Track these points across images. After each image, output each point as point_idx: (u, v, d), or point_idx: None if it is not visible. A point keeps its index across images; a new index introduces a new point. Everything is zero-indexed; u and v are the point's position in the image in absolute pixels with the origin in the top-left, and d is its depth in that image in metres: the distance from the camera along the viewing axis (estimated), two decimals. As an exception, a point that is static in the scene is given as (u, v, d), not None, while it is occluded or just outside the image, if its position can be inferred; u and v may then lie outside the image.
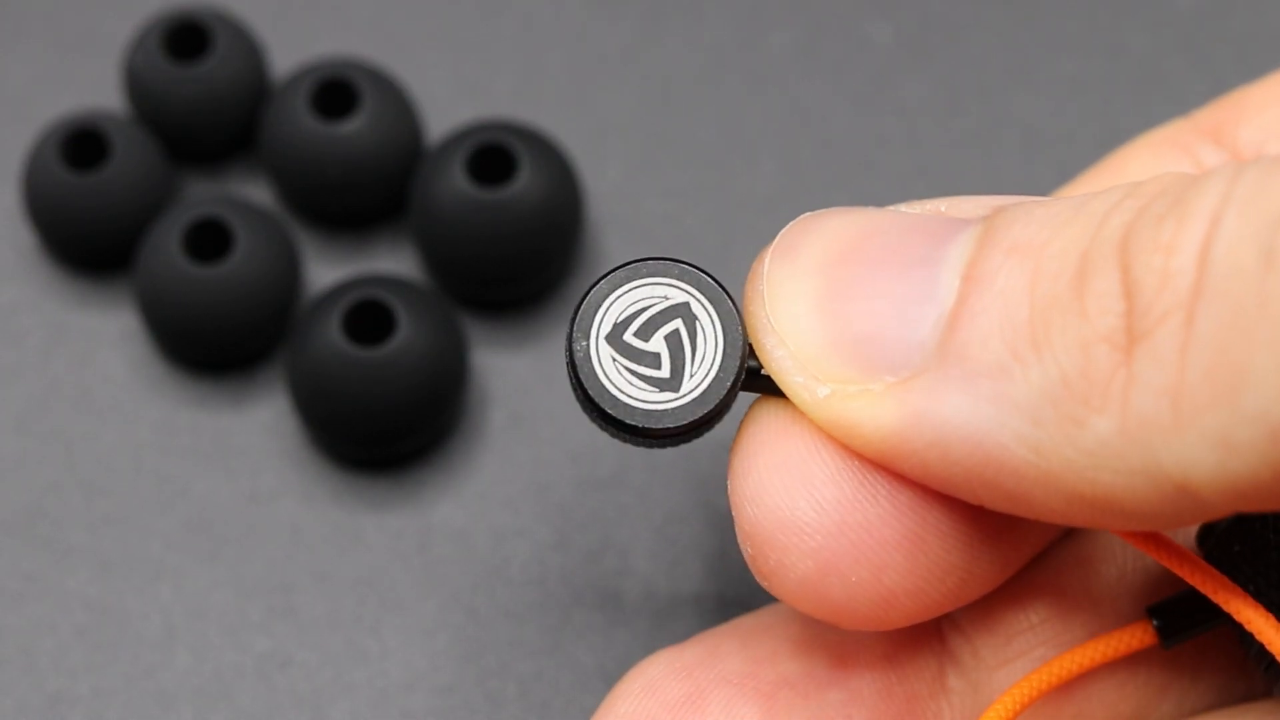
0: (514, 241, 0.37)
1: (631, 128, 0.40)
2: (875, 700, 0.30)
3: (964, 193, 0.39)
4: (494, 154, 0.37)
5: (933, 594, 0.28)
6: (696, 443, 0.37)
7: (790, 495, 0.28)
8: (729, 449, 0.29)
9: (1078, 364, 0.25)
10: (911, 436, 0.27)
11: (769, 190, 0.40)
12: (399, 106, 0.38)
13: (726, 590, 0.36)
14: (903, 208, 0.28)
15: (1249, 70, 0.40)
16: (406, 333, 0.36)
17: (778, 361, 0.28)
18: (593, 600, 0.36)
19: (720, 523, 0.37)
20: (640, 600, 0.36)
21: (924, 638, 0.31)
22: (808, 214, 0.28)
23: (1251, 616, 0.28)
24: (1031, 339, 0.26)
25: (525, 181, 0.37)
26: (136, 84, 0.39)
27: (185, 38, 0.39)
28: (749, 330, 0.28)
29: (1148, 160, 0.31)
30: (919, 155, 0.40)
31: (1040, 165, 0.40)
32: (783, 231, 0.28)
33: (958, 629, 0.31)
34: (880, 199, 0.39)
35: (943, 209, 0.28)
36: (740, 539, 0.29)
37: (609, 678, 0.35)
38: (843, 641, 0.31)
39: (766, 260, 0.28)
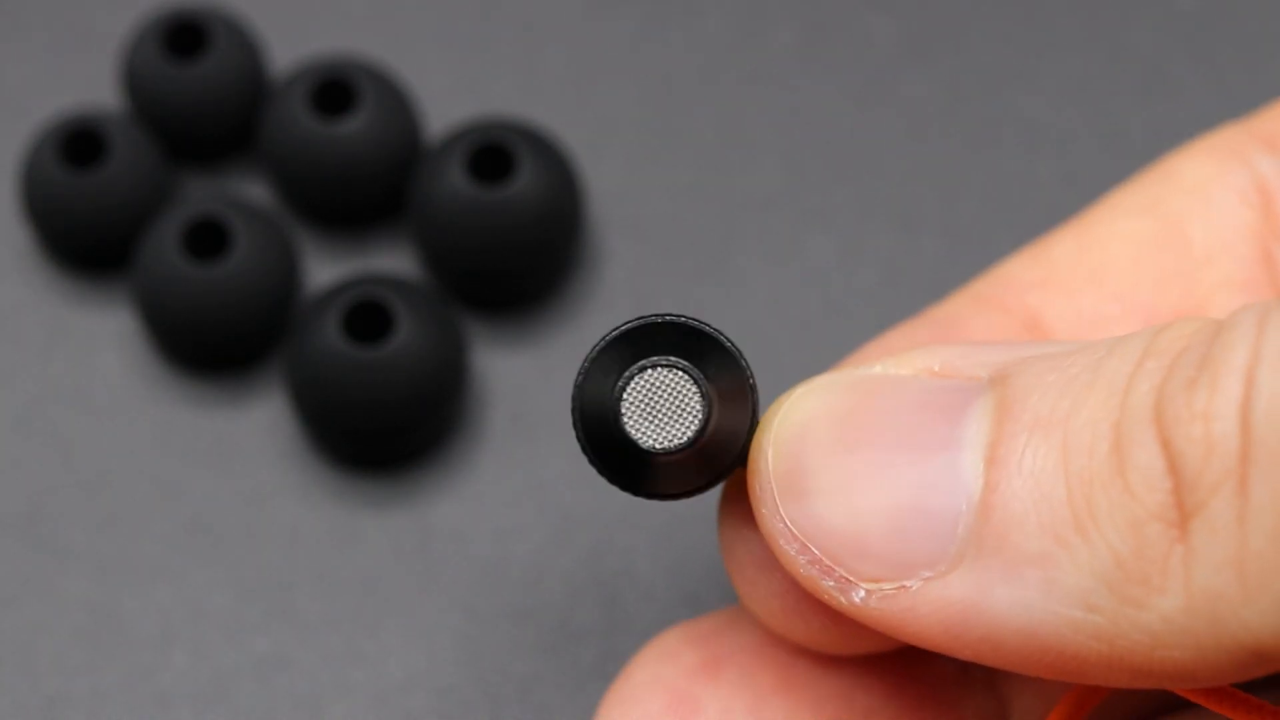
0: (514, 240, 0.37)
1: (632, 126, 0.40)
2: (895, 677, 0.30)
3: (964, 192, 0.39)
4: (494, 152, 0.37)
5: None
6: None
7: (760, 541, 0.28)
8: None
9: (1130, 544, 0.24)
10: (961, 633, 0.25)
11: (770, 188, 0.40)
12: (398, 105, 0.38)
13: (727, 590, 0.36)
14: (893, 368, 0.27)
15: (1251, 69, 0.40)
16: (406, 332, 0.36)
17: (803, 567, 0.26)
18: (593, 600, 0.36)
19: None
20: (640, 601, 0.36)
21: None
22: (798, 389, 0.27)
23: None
24: (1074, 522, 0.25)
25: (525, 180, 0.37)
26: (135, 82, 0.39)
27: (184, 36, 0.39)
28: (763, 530, 0.27)
29: (1203, 165, 0.31)
30: (920, 153, 0.40)
31: (1041, 163, 0.40)
32: (777, 419, 0.27)
33: None
34: (881, 197, 0.39)
35: (936, 368, 0.27)
36: (721, 553, 0.29)
37: (609, 678, 0.35)
38: None
39: (769, 456, 0.27)
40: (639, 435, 0.27)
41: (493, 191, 0.37)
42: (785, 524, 0.26)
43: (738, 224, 0.39)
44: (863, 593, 0.26)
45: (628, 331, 0.27)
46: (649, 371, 0.26)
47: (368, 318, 0.36)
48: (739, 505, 0.28)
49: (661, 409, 0.27)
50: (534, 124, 0.39)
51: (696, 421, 0.26)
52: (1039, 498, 0.25)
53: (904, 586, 0.26)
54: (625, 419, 0.26)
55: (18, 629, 0.36)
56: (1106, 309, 0.30)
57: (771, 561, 0.28)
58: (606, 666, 0.36)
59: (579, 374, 0.27)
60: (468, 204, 0.37)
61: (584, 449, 0.27)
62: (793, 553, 0.26)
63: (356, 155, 0.38)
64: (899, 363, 0.27)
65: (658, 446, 0.26)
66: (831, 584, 0.26)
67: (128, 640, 0.36)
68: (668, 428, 0.27)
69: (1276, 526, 0.23)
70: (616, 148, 0.40)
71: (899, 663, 0.30)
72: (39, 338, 0.38)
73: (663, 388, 0.27)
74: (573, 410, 0.27)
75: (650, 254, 0.39)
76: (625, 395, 0.26)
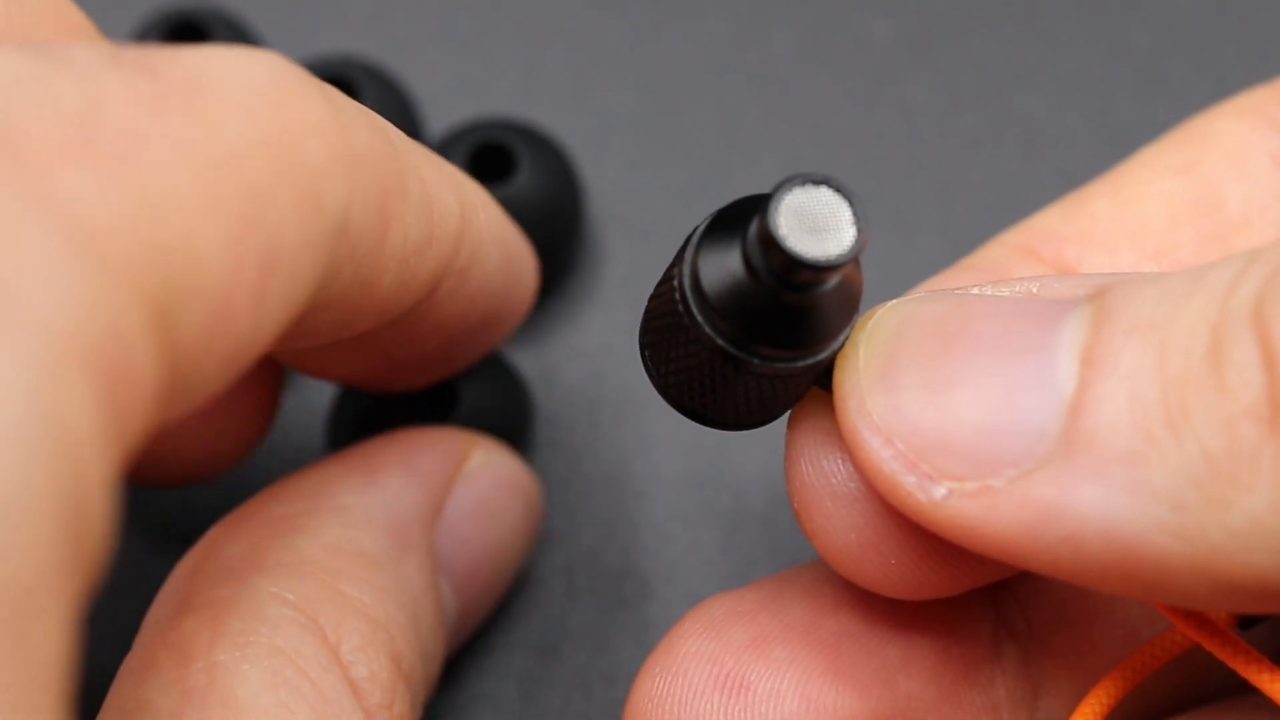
0: (514, 240, 0.37)
1: (632, 125, 0.40)
2: (934, 661, 0.30)
3: (963, 191, 0.39)
4: (494, 152, 0.37)
5: (977, 577, 0.28)
6: (695, 442, 0.37)
7: (844, 465, 0.27)
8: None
9: (1221, 442, 0.24)
10: (1041, 533, 0.25)
11: (769, 187, 0.40)
12: (398, 104, 0.38)
13: (726, 589, 0.36)
14: (989, 290, 0.27)
15: (1251, 68, 0.40)
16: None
17: (884, 462, 0.26)
18: (593, 600, 0.36)
19: (721, 523, 0.37)
20: (640, 600, 0.36)
21: (979, 601, 0.30)
22: (892, 301, 0.27)
23: None
24: (1166, 420, 0.24)
25: (525, 179, 0.37)
26: (135, 82, 0.39)
27: (184, 36, 0.39)
28: (845, 428, 0.26)
29: (1237, 127, 0.30)
30: (920, 153, 0.40)
31: (1041, 163, 0.40)
32: (870, 320, 0.27)
33: (1011, 593, 0.31)
34: (881, 196, 0.39)
35: (1034, 290, 0.27)
36: (789, 492, 0.28)
37: (609, 678, 0.35)
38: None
39: (860, 351, 0.27)
40: (800, 247, 0.25)
41: (493, 191, 0.37)
42: (872, 417, 0.26)
43: (737, 223, 0.39)
44: (944, 490, 0.26)
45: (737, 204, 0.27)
46: (796, 189, 0.26)
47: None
48: (813, 435, 0.28)
49: (816, 221, 0.25)
50: (534, 123, 0.39)
51: (853, 232, 0.25)
52: (1132, 397, 0.25)
53: (988, 486, 0.25)
54: (782, 231, 0.25)
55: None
56: (1146, 268, 0.30)
57: (849, 493, 0.28)
58: (606, 667, 0.36)
59: (692, 246, 0.26)
60: (467, 203, 0.37)
61: (693, 317, 0.26)
62: (876, 445, 0.26)
63: (356, 155, 0.38)
64: (997, 286, 0.27)
65: (821, 256, 0.25)
66: (913, 480, 0.26)
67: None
68: (826, 240, 0.25)
69: None
70: (616, 148, 0.40)
71: (937, 645, 0.30)
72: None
73: (814, 203, 0.26)
74: (678, 280, 0.26)
75: (650, 254, 0.39)
76: (778, 208, 0.25)
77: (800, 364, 0.27)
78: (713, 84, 0.40)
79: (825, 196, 0.26)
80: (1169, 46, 0.41)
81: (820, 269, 0.25)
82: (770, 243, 0.25)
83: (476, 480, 0.33)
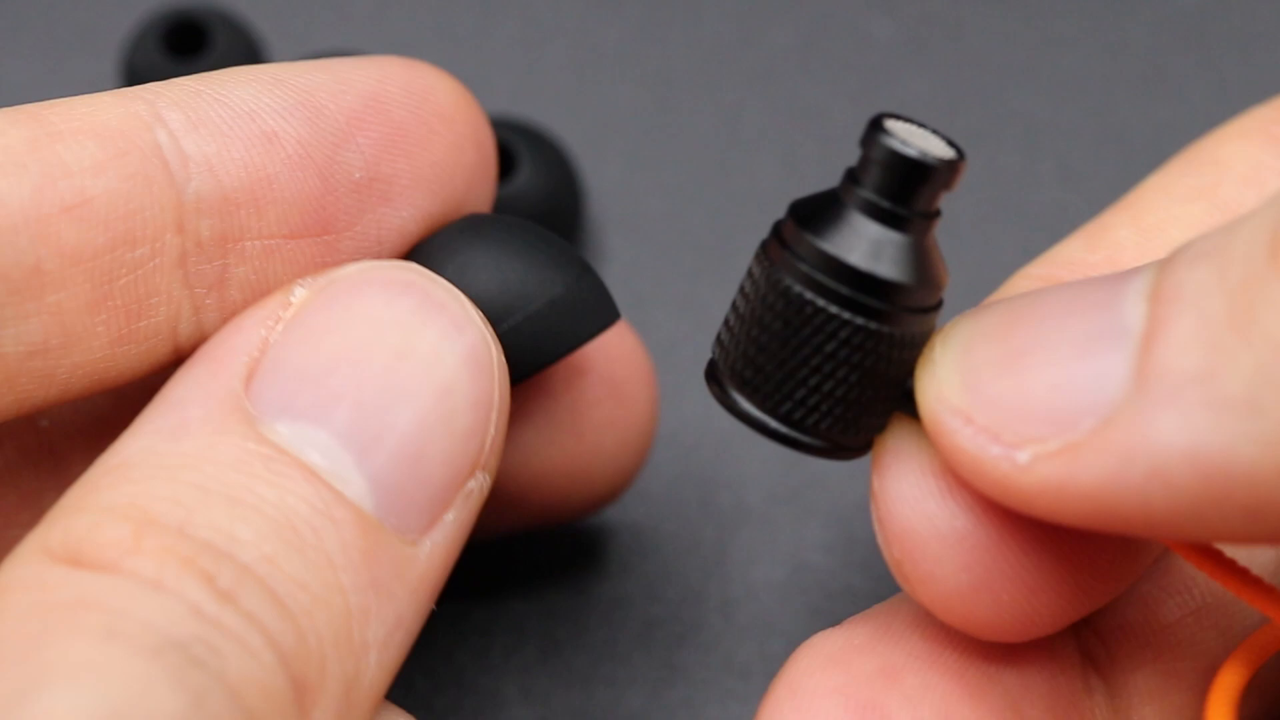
0: (514, 239, 0.37)
1: (631, 125, 0.40)
2: (1047, 690, 0.29)
3: (964, 191, 0.39)
4: (494, 151, 0.37)
5: (1078, 610, 0.28)
6: (695, 441, 0.37)
7: (948, 503, 0.27)
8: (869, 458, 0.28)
9: None
10: (1128, 476, 0.24)
11: (769, 187, 0.40)
12: (398, 104, 0.38)
13: (727, 589, 0.36)
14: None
15: (1251, 67, 0.40)
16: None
17: (968, 439, 0.26)
18: (593, 599, 0.36)
19: (720, 522, 0.37)
20: (640, 600, 0.36)
21: (1064, 636, 0.30)
22: (965, 313, 0.27)
23: None
24: (1233, 325, 0.24)
25: (525, 179, 0.37)
26: (136, 81, 0.39)
27: (184, 35, 0.39)
28: (926, 418, 0.26)
29: (1239, 148, 0.30)
30: (920, 152, 0.40)
31: (1041, 162, 0.40)
32: (943, 331, 0.27)
33: (1091, 628, 0.30)
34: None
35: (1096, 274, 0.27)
36: (886, 542, 0.28)
37: (609, 678, 0.35)
38: None
39: (937, 351, 0.27)
40: (930, 150, 0.26)
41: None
42: (950, 400, 0.26)
43: (737, 222, 0.39)
44: (1028, 454, 0.25)
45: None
46: (893, 122, 0.27)
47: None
48: (907, 478, 0.27)
49: (920, 139, 0.27)
50: (533, 123, 0.39)
51: (952, 149, 0.27)
52: (1199, 316, 0.24)
53: (1069, 443, 0.25)
54: (907, 148, 0.26)
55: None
56: None
57: (956, 531, 0.27)
58: (606, 667, 0.36)
59: (796, 255, 0.27)
60: (468, 203, 0.37)
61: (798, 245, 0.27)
62: (957, 425, 0.26)
63: (356, 154, 0.38)
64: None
65: (931, 154, 0.26)
66: (998, 451, 0.25)
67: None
68: (939, 150, 0.27)
69: None
70: (616, 146, 0.40)
71: (1045, 675, 0.30)
72: (39, 337, 0.38)
73: (908, 132, 0.27)
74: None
75: (650, 253, 0.39)
76: (891, 135, 0.26)
77: (933, 312, 0.27)
78: (713, 84, 0.40)
79: (911, 129, 0.27)
80: (1170, 44, 0.41)
81: (951, 166, 0.26)
82: (899, 161, 0.26)
83: (326, 297, 0.28)
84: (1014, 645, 0.29)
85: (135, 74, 0.39)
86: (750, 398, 0.27)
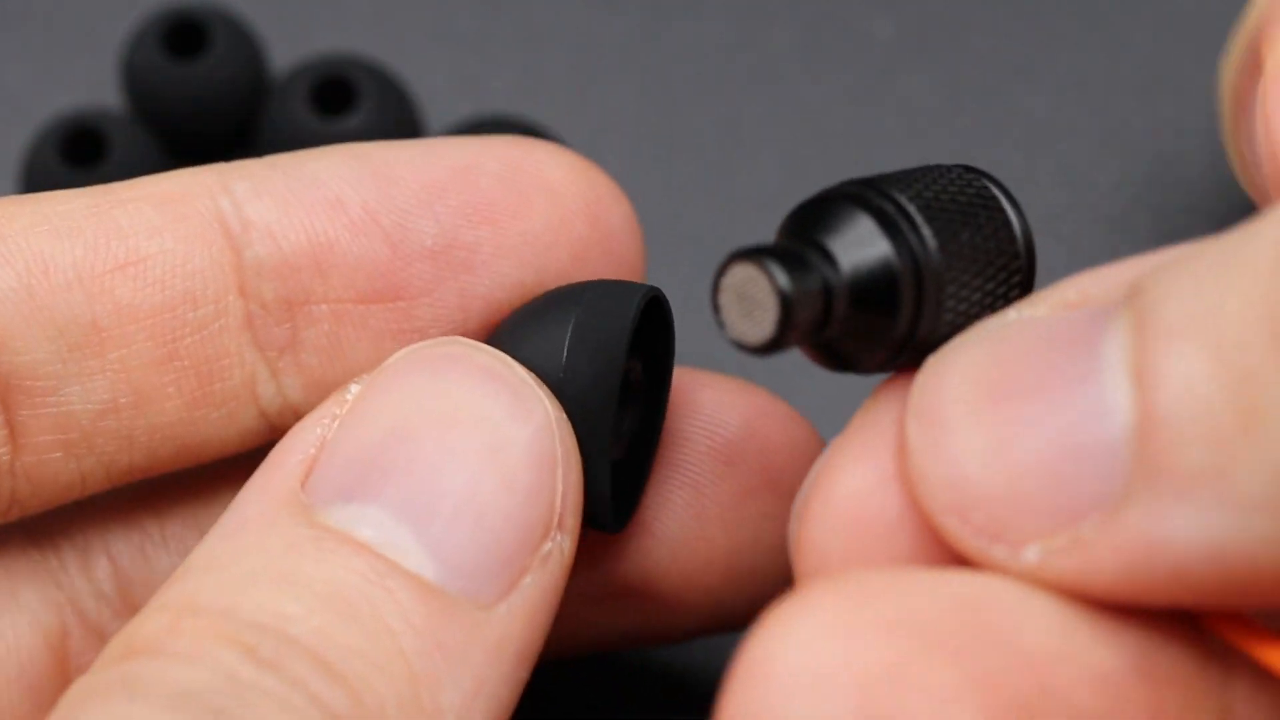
0: (514, 238, 0.37)
1: (631, 124, 0.40)
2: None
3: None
4: (494, 151, 0.37)
5: None
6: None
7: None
8: None
9: None
10: (1147, 573, 0.23)
11: (770, 187, 0.40)
12: (398, 103, 0.38)
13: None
14: (1026, 309, 0.25)
15: (1251, 67, 0.40)
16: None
17: (970, 539, 0.24)
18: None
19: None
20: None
21: None
22: (930, 361, 0.25)
23: None
24: (1239, 424, 0.23)
25: (525, 178, 0.37)
26: (135, 81, 0.39)
27: (184, 35, 0.39)
28: (923, 507, 0.25)
29: None
30: (920, 151, 0.40)
31: (1042, 161, 0.40)
32: (914, 390, 0.25)
33: None
34: (881, 196, 0.39)
35: (1071, 297, 0.25)
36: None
37: (608, 680, 0.35)
38: None
39: (910, 431, 0.25)
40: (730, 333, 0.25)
41: (493, 189, 0.37)
42: (941, 498, 0.24)
43: (738, 222, 0.39)
44: (1036, 552, 0.24)
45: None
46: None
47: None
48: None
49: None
50: (533, 122, 0.39)
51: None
52: (1197, 406, 0.23)
53: (1078, 538, 0.24)
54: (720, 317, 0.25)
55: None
56: None
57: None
58: (606, 667, 0.35)
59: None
60: (468, 202, 0.37)
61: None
62: (955, 525, 0.24)
63: (356, 154, 0.38)
64: (1032, 303, 0.26)
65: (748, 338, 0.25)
66: (1003, 550, 0.24)
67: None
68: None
69: None
70: (616, 146, 0.40)
71: None
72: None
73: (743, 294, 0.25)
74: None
75: (650, 253, 0.39)
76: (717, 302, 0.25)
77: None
78: (713, 84, 0.40)
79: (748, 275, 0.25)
80: (1171, 43, 0.41)
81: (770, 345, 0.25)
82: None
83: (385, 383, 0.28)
84: None
85: (135, 74, 0.39)
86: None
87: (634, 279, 0.31)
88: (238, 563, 0.26)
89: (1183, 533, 0.23)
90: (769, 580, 0.31)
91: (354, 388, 0.28)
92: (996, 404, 0.24)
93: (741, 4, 0.41)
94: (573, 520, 0.28)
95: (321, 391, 0.29)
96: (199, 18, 0.39)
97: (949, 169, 0.27)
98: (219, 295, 0.29)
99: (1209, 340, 0.23)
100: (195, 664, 0.25)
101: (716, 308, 0.25)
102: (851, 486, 0.26)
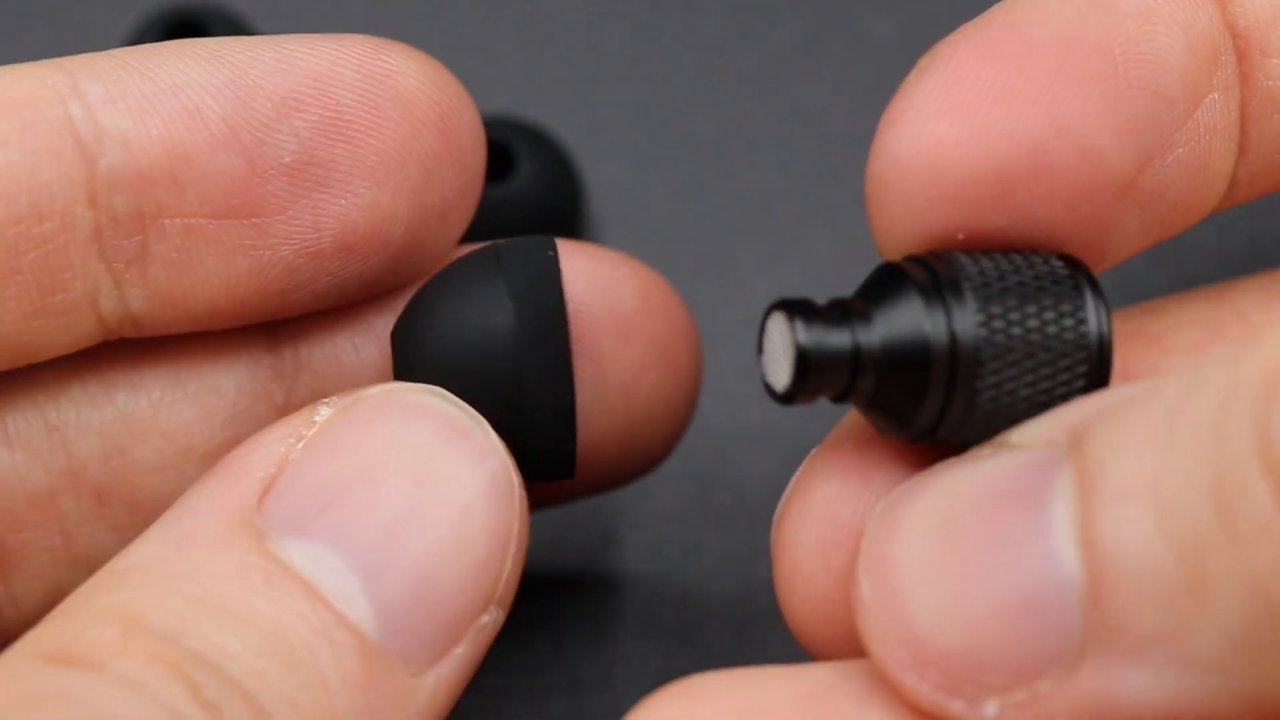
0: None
1: (632, 124, 0.40)
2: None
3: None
4: (493, 151, 0.37)
5: None
6: (695, 441, 0.37)
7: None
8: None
9: (1254, 602, 0.23)
10: None
11: (770, 187, 0.40)
12: (398, 103, 0.38)
13: (727, 589, 0.36)
14: (970, 453, 0.26)
15: (1251, 67, 0.40)
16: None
17: (926, 695, 0.24)
18: (594, 600, 0.36)
19: (720, 522, 0.37)
20: (640, 600, 0.36)
21: None
22: (881, 508, 0.26)
23: None
24: (1188, 589, 0.23)
25: (525, 178, 0.37)
26: (135, 81, 0.39)
27: (184, 35, 0.39)
28: (877, 662, 0.25)
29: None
30: (920, 152, 0.40)
31: (1042, 162, 0.40)
32: (865, 542, 0.25)
33: None
34: (881, 196, 0.39)
35: (1013, 439, 0.25)
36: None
37: (609, 679, 0.35)
38: None
39: (863, 588, 0.25)
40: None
41: (492, 190, 0.37)
42: (898, 654, 0.25)
43: (738, 221, 0.39)
44: (995, 707, 0.24)
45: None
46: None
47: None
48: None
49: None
50: (533, 122, 0.39)
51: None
52: (1145, 571, 0.23)
53: (1035, 693, 0.24)
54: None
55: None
56: None
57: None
58: (606, 668, 0.36)
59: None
60: (467, 202, 0.37)
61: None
62: (913, 681, 0.25)
63: (356, 154, 0.38)
64: (979, 452, 0.26)
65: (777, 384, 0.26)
66: (961, 705, 0.24)
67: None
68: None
69: None
70: (616, 145, 0.40)
71: None
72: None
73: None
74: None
75: (650, 253, 0.39)
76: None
77: None
78: (713, 82, 0.40)
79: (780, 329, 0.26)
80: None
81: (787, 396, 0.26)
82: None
83: (346, 419, 0.28)
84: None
85: (135, 74, 0.39)
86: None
87: (477, 189, 0.30)
88: (184, 581, 0.26)
89: (1137, 693, 0.23)
90: (655, 451, 0.32)
91: (324, 410, 0.27)
92: (948, 560, 0.25)
93: (741, 3, 0.41)
94: (510, 595, 0.27)
95: (166, 305, 0.29)
96: (199, 18, 0.39)
97: (1046, 255, 0.26)
98: (67, 208, 0.28)
99: (1155, 505, 0.23)
100: (141, 695, 0.24)
101: (760, 349, 0.26)
102: (825, 494, 0.27)
